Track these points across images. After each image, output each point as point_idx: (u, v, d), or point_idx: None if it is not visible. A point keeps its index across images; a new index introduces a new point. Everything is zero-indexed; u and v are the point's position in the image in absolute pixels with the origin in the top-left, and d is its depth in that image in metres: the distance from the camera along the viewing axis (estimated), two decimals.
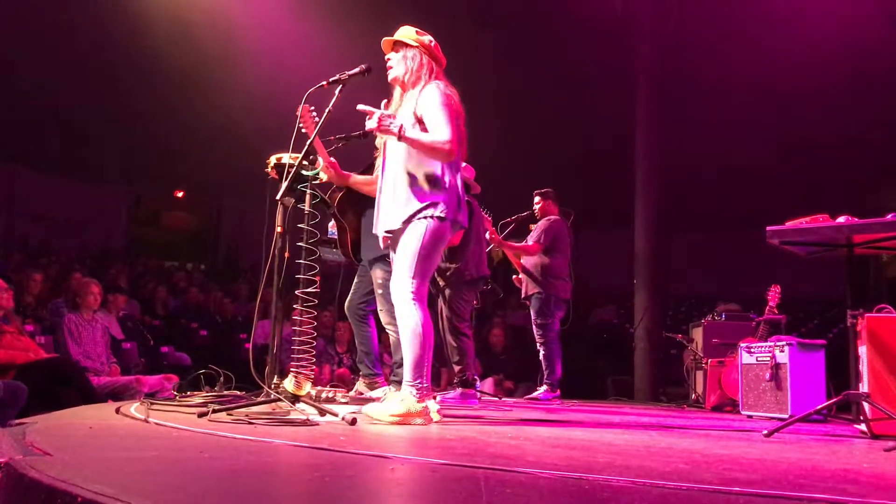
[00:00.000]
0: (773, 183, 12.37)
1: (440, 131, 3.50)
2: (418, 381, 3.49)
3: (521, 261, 7.27)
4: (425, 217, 3.53)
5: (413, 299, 3.51)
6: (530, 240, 7.19)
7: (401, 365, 4.84)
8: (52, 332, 6.47)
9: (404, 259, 3.55)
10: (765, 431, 3.58)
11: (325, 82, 3.73)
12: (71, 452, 2.13)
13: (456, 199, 3.61)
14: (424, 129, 3.57)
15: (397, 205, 3.60)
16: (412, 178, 3.59)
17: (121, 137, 13.12)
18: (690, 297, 13.23)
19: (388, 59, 3.78)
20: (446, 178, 3.59)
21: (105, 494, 1.33)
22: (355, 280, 5.41)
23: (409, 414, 3.41)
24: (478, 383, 6.13)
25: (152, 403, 3.80)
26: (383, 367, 5.82)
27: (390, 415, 3.40)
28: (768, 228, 3.92)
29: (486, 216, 6.56)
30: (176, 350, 8.20)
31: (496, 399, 7.05)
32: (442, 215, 3.53)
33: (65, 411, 3.76)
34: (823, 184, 11.65)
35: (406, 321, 3.52)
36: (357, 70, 3.73)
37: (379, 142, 3.89)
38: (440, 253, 3.74)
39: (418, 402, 3.46)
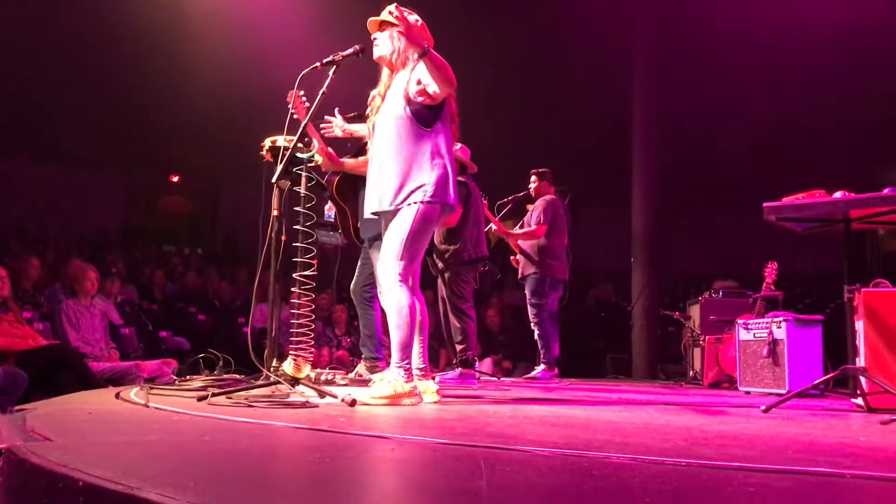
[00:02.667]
0: (771, 160, 12.35)
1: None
2: (405, 361, 3.51)
3: (518, 241, 7.26)
4: (414, 202, 3.52)
5: (399, 281, 3.53)
6: (531, 221, 7.17)
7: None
8: (50, 319, 6.47)
9: (392, 242, 3.55)
10: (762, 407, 3.60)
11: (318, 64, 3.71)
12: (71, 438, 2.14)
13: (445, 180, 3.57)
14: (417, 108, 3.55)
15: (385, 187, 3.59)
16: (400, 161, 3.57)
17: (115, 123, 13.05)
18: (688, 274, 13.25)
19: (375, 39, 3.75)
20: (435, 161, 3.57)
21: (106, 479, 1.34)
22: (359, 263, 5.40)
23: (397, 395, 3.43)
24: (476, 363, 6.15)
25: (152, 388, 3.81)
26: (385, 350, 5.83)
27: (378, 396, 3.41)
28: (765, 205, 3.92)
29: (484, 200, 6.54)
30: (174, 335, 8.20)
31: (495, 379, 7.08)
32: (430, 199, 3.52)
33: (64, 397, 3.77)
34: (821, 160, 11.63)
35: (392, 303, 3.54)
36: (350, 51, 3.71)
37: (369, 123, 3.87)
38: (429, 235, 3.74)
39: (405, 382, 3.47)
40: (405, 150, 3.57)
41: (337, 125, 4.39)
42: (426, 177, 3.54)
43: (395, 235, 3.54)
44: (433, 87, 3.49)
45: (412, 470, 1.84)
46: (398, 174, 3.56)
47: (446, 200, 3.58)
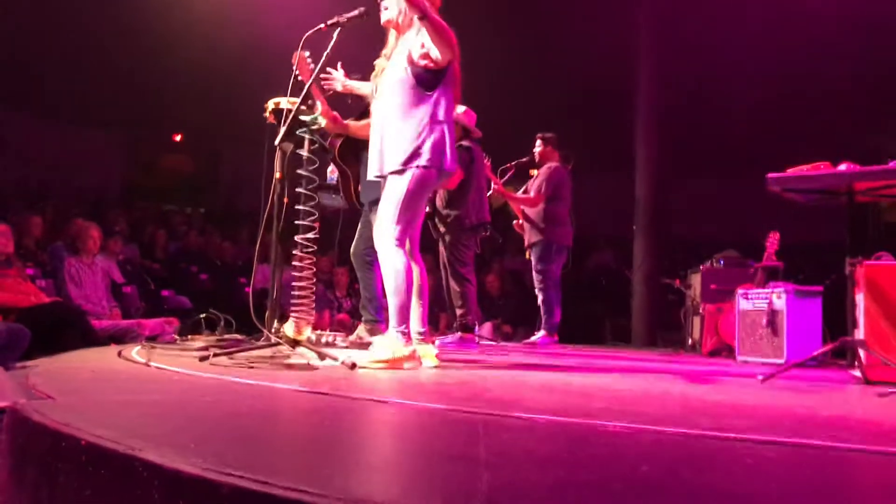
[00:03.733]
0: (776, 128, 12.26)
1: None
2: (403, 325, 3.53)
3: (522, 208, 7.26)
4: (410, 167, 3.51)
5: (396, 245, 3.54)
6: (532, 189, 7.16)
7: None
8: (52, 276, 6.49)
9: (388, 207, 3.55)
10: (760, 377, 3.62)
11: (323, 25, 3.67)
12: (74, 396, 2.15)
13: (441, 145, 3.56)
14: (419, 71, 3.53)
15: (385, 151, 3.59)
16: (399, 125, 3.56)
17: (117, 80, 12.94)
18: (690, 242, 13.24)
19: (382, 2, 3.71)
20: (434, 125, 3.55)
21: (109, 439, 1.35)
22: (359, 226, 5.39)
23: (397, 359, 3.45)
24: (476, 328, 6.18)
25: (153, 347, 3.84)
26: (384, 313, 5.85)
27: (377, 360, 3.43)
28: (769, 176, 3.90)
29: (487, 162, 6.52)
30: (176, 294, 8.23)
31: (494, 343, 7.12)
32: (426, 164, 3.51)
33: (67, 355, 3.80)
34: (826, 130, 11.55)
35: (389, 267, 3.55)
36: (356, 13, 3.67)
37: (373, 85, 3.84)
38: (425, 200, 3.74)
39: (404, 345, 3.49)
40: (405, 113, 3.56)
41: (339, 79, 4.36)
42: (423, 141, 3.52)
43: (391, 200, 3.55)
44: (434, 52, 3.46)
45: (411, 434, 1.85)
46: (398, 138, 3.55)
47: (442, 165, 3.57)
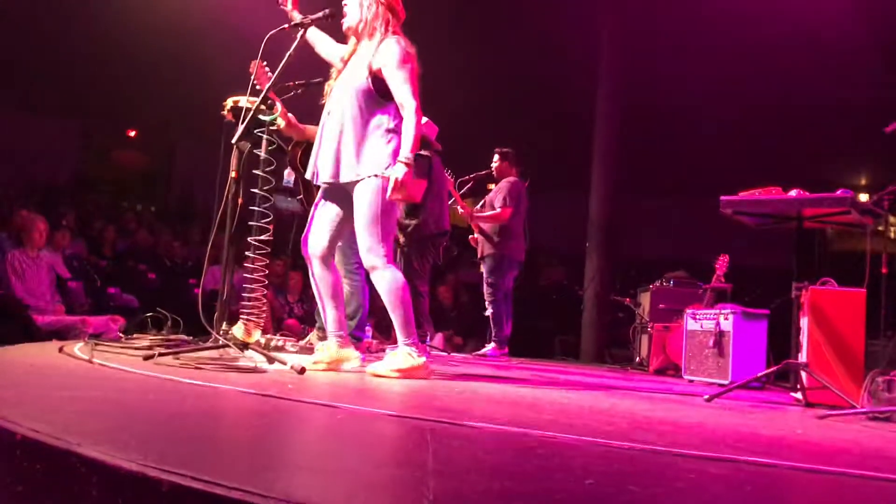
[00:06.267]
0: (732, 152, 12.52)
1: (406, 102, 3.47)
2: (412, 338, 3.55)
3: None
4: (369, 175, 3.49)
5: (387, 262, 3.53)
6: (494, 202, 7.17)
7: (351, 317, 4.84)
8: None
9: (367, 226, 3.51)
10: (706, 396, 3.68)
11: (286, 25, 3.65)
12: (11, 389, 2.09)
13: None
14: (379, 83, 3.52)
15: (341, 159, 3.55)
16: (357, 133, 3.53)
17: (70, 70, 12.66)
18: (641, 261, 13.44)
19: (346, 5, 3.69)
20: (392, 134, 3.54)
21: (46, 433, 1.31)
22: None
23: (414, 368, 3.48)
24: (428, 339, 6.16)
25: (97, 344, 3.74)
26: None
27: (395, 370, 3.45)
28: (722, 198, 3.98)
29: (449, 177, 6.52)
30: (123, 292, 8.05)
31: (445, 354, 7.11)
32: (388, 173, 3.49)
33: (6, 348, 3.68)
34: (779, 157, 11.85)
35: (386, 285, 3.53)
36: (320, 14, 3.66)
37: (328, 87, 3.80)
38: (396, 209, 3.73)
39: (417, 356, 3.52)
40: (362, 121, 3.54)
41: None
42: (382, 150, 3.51)
43: (368, 220, 3.50)
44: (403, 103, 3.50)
45: (358, 439, 1.83)
46: (354, 146, 3.52)
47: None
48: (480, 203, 7.42)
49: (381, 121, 3.55)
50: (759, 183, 4.05)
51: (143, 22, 11.02)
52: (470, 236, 7.39)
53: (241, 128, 3.62)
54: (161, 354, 3.15)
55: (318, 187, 3.81)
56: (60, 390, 2.27)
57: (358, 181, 3.52)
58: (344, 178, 3.55)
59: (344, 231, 3.73)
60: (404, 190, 3.39)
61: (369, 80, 3.53)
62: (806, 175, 4.98)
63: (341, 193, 3.65)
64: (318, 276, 3.70)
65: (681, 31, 10.75)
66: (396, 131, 3.55)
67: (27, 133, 13.88)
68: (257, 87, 3.87)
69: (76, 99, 13.55)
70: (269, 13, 3.79)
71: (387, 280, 3.52)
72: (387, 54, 3.51)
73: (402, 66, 3.50)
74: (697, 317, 5.80)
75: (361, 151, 3.51)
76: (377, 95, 3.55)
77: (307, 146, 4.96)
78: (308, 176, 3.76)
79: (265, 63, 3.89)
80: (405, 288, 3.55)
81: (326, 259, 3.69)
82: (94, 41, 11.68)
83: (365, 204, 3.50)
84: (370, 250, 3.52)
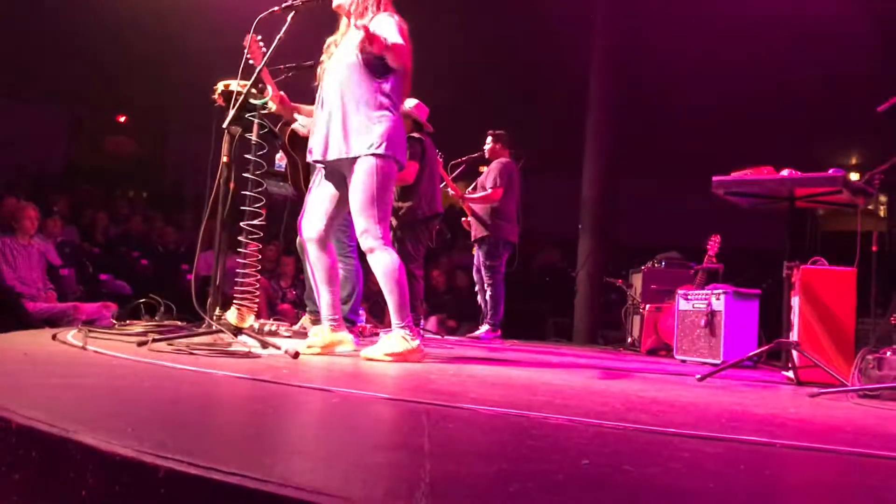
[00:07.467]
0: (724, 132, 12.52)
1: (392, 39, 3.44)
2: (407, 321, 3.54)
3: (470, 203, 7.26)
4: (362, 154, 3.48)
5: (383, 244, 3.52)
6: (486, 183, 7.15)
7: (346, 301, 4.84)
8: None
9: (363, 207, 3.50)
10: (698, 376, 3.69)
11: (277, 7, 3.62)
12: (5, 378, 2.09)
13: (394, 134, 3.55)
14: (370, 58, 3.50)
15: (333, 137, 3.54)
16: (349, 111, 3.52)
17: (59, 56, 12.54)
18: (633, 243, 13.46)
19: None
20: (384, 112, 3.53)
21: (42, 421, 1.31)
22: None
23: (408, 351, 3.47)
24: (422, 322, 6.17)
25: (90, 331, 3.73)
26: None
27: (389, 353, 3.44)
28: (714, 178, 3.97)
29: (440, 159, 6.50)
30: (116, 278, 8.03)
31: (439, 337, 7.12)
32: (384, 153, 3.48)
33: None
34: (771, 137, 11.85)
35: (382, 267, 3.53)
36: None
37: (321, 68, 3.79)
38: (391, 191, 3.72)
39: (411, 340, 3.52)
40: (355, 99, 3.52)
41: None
42: (374, 128, 3.50)
43: (364, 201, 3.49)
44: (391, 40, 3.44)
45: (354, 423, 1.84)
46: (346, 124, 3.51)
47: (397, 155, 3.56)
48: (472, 185, 7.41)
49: (373, 99, 3.53)
50: (752, 164, 4.04)
51: (132, 6, 10.92)
52: (463, 219, 7.38)
53: (232, 112, 3.60)
54: (155, 340, 3.15)
55: (305, 172, 3.81)
56: (55, 378, 2.26)
57: (352, 162, 3.50)
58: (331, 156, 3.54)
59: (340, 214, 3.72)
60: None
61: (360, 56, 3.51)
62: (799, 156, 4.96)
63: (337, 176, 3.65)
64: (315, 260, 3.70)
65: (673, 13, 10.73)
66: (388, 109, 3.54)
67: (15, 120, 13.75)
68: (251, 61, 3.85)
69: (65, 85, 13.42)
70: None
71: (384, 262, 3.52)
72: (381, 21, 3.50)
73: (395, 24, 3.50)
74: (689, 297, 5.82)
75: (350, 129, 3.50)
76: (369, 73, 3.53)
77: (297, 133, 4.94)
78: (310, 159, 3.75)
79: (259, 38, 3.87)
80: (402, 270, 3.54)
81: (323, 242, 3.69)
82: (83, 26, 11.57)
83: (360, 184, 3.49)
84: (367, 232, 3.51)
